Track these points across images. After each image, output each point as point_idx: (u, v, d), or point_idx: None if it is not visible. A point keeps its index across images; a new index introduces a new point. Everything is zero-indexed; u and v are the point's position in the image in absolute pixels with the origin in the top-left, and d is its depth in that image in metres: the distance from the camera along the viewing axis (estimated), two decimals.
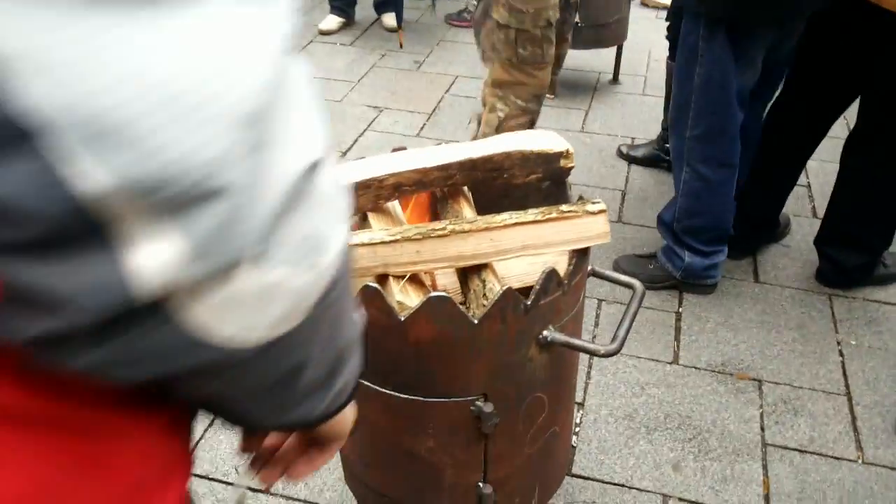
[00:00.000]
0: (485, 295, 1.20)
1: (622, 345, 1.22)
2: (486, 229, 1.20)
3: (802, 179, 3.19)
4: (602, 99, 3.84)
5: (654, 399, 2.18)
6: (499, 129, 2.41)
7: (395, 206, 1.43)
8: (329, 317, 0.48)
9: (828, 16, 2.16)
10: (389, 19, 4.55)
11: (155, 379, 0.42)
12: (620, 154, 3.36)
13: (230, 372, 0.45)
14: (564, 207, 1.22)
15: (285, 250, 0.39)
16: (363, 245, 1.19)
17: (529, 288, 1.29)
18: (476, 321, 1.14)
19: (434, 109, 3.74)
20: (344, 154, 3.37)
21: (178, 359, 0.41)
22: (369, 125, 3.60)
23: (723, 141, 2.26)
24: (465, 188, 1.44)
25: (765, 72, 2.23)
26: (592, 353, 1.22)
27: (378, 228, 1.26)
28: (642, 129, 3.57)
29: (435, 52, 4.39)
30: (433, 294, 1.11)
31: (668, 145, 2.84)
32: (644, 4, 5.00)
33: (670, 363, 2.31)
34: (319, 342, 0.49)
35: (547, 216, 1.21)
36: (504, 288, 1.13)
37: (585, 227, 1.22)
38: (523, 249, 1.22)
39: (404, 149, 1.47)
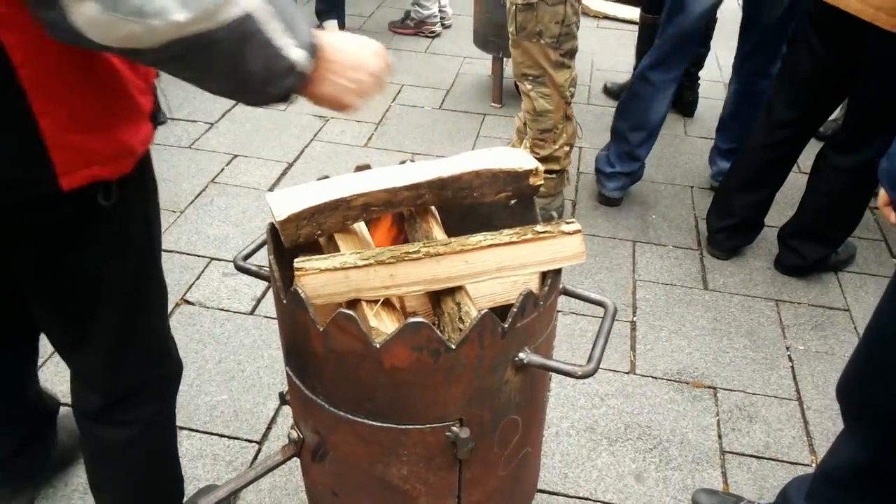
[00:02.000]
0: (460, 318, 1.17)
1: (598, 365, 1.21)
2: (461, 251, 1.17)
3: None
4: None
5: (614, 410, 2.19)
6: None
7: (361, 227, 1.38)
8: (211, 56, 0.86)
9: (817, 25, 2.31)
10: (331, 27, 4.48)
11: (82, 46, 0.82)
12: (606, 90, 4.01)
13: (138, 57, 0.85)
14: (539, 228, 1.20)
15: (119, 6, 0.76)
16: (335, 269, 1.15)
17: (499, 307, 1.26)
18: (453, 346, 1.11)
19: (381, 119, 3.69)
20: (291, 165, 3.30)
21: (78, 39, 0.80)
22: (315, 135, 3.54)
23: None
24: (433, 208, 1.40)
25: None
26: (569, 375, 1.20)
27: (348, 252, 1.21)
28: (589, 137, 3.60)
29: None
30: (410, 320, 1.08)
31: None
32: (584, 14, 5.06)
33: (627, 373, 2.32)
34: (213, 70, 0.89)
35: (522, 237, 1.18)
36: (482, 312, 1.10)
37: (561, 247, 1.20)
38: (498, 271, 1.20)
39: (368, 167, 1.43)
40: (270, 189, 3.11)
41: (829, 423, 2.18)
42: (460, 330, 1.16)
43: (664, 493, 1.95)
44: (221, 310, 2.49)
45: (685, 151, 3.55)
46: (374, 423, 1.21)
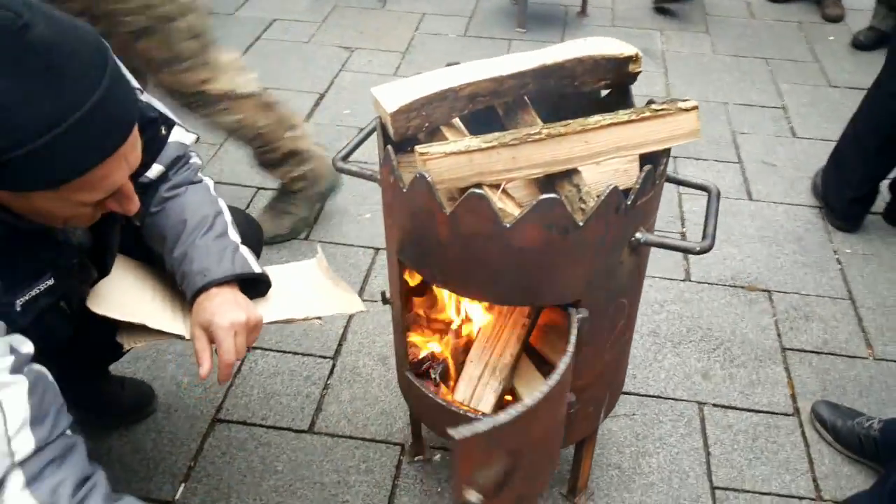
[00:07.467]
0: (581, 199, 1.19)
1: (713, 242, 1.24)
2: (582, 131, 1.18)
3: (777, 101, 3.29)
4: (573, 32, 3.83)
5: (674, 315, 2.24)
6: None
7: (458, 122, 1.38)
8: None
9: None
10: None
11: None
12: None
13: None
14: (656, 106, 1.21)
15: None
16: (459, 153, 1.16)
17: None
18: (581, 223, 1.13)
19: (407, 48, 3.65)
20: (322, 95, 3.27)
21: None
22: (343, 65, 3.50)
23: None
24: (527, 100, 1.41)
25: None
26: (688, 251, 1.23)
27: (468, 137, 1.22)
28: None
29: None
30: (544, 196, 1.09)
31: None
32: None
33: (683, 280, 2.36)
34: None
35: (641, 115, 1.19)
36: (610, 186, 1.12)
37: (677, 124, 1.21)
38: (616, 151, 1.21)
39: (457, 63, 1.43)
40: (306, 119, 3.09)
41: (882, 319, 2.23)
42: (582, 210, 1.18)
43: (732, 389, 2.01)
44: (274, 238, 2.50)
45: (715, 69, 3.54)
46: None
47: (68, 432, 1.03)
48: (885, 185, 2.60)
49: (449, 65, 1.43)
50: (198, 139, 1.49)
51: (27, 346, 1.01)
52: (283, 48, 3.63)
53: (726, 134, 3.06)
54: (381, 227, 2.50)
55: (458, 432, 0.92)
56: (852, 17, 3.97)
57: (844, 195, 2.55)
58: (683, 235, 2.54)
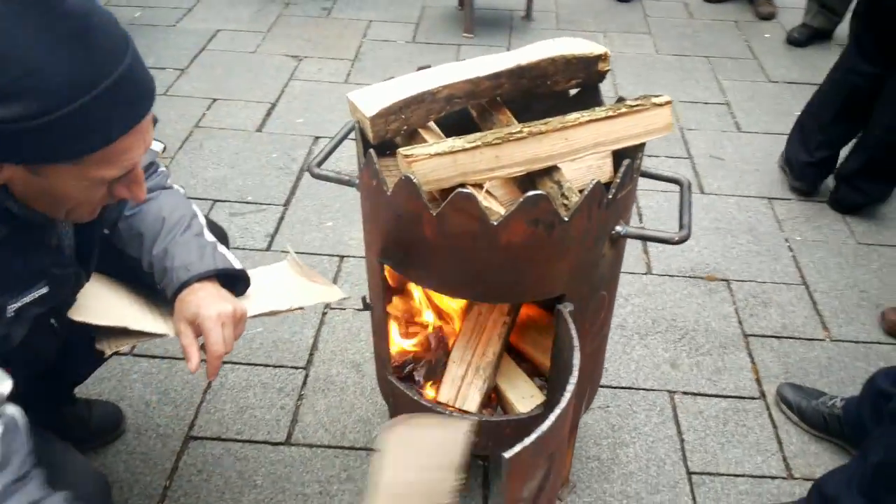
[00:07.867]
0: (564, 195, 1.21)
1: (690, 232, 1.28)
2: (562, 129, 1.20)
3: (721, 98, 3.40)
4: (520, 36, 3.89)
5: (639, 307, 2.29)
6: None
7: (433, 125, 1.39)
8: None
9: None
10: None
11: None
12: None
13: None
14: (631, 102, 1.24)
15: None
16: (443, 154, 1.16)
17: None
18: (567, 218, 1.15)
19: (356, 55, 3.64)
20: (274, 104, 3.23)
21: None
22: (292, 74, 3.46)
23: None
24: (499, 100, 1.43)
25: None
26: (666, 242, 1.26)
27: (450, 138, 1.23)
28: None
29: None
30: (529, 193, 1.11)
31: None
32: None
33: (645, 274, 2.42)
34: None
35: (618, 111, 1.22)
36: (594, 182, 1.14)
37: (652, 119, 1.25)
38: (595, 147, 1.24)
39: (429, 66, 1.44)
40: (259, 129, 3.06)
41: (835, 302, 2.33)
42: (565, 206, 1.20)
43: (699, 376, 2.07)
44: (236, 248, 2.45)
45: (659, 68, 3.64)
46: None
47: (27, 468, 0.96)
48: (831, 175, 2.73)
49: (420, 68, 1.44)
50: (164, 149, 1.47)
51: (4, 385, 0.95)
52: (229, 59, 3.57)
53: (675, 130, 3.15)
54: (345, 234, 2.53)
55: (510, 452, 0.93)
56: (785, 14, 4.14)
57: (802, 158, 2.75)
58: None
